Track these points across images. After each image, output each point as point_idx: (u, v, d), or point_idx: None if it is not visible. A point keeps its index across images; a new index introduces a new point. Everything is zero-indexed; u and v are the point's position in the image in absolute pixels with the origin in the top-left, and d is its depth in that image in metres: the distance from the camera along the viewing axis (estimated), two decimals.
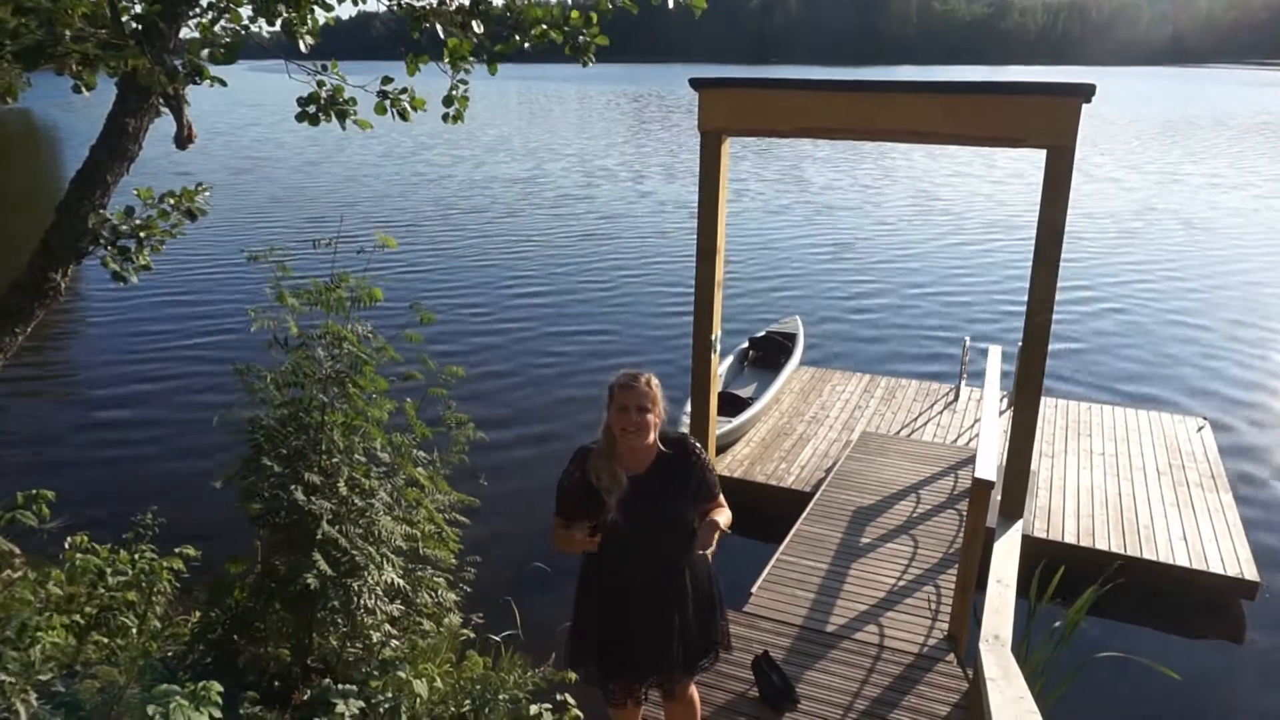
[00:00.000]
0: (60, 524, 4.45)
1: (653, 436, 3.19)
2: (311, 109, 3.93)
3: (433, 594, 4.37)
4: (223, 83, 3.67)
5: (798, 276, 15.76)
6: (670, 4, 4.22)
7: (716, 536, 3.19)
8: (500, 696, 3.98)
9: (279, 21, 3.86)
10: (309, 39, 3.83)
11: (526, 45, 4.13)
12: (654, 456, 3.24)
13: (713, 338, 5.05)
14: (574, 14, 4.19)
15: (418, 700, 3.77)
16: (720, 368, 8.80)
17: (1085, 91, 3.94)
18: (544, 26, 4.11)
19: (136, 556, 4.73)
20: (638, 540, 3.22)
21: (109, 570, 4.57)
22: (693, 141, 32.54)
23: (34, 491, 4.17)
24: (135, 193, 3.95)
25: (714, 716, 4.42)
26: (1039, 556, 5.95)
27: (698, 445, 3.34)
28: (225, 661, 4.02)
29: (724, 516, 3.31)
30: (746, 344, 10.36)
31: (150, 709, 2.62)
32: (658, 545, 3.25)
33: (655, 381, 3.20)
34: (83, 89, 3.31)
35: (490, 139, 37.69)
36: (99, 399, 10.24)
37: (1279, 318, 13.46)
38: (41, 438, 9.22)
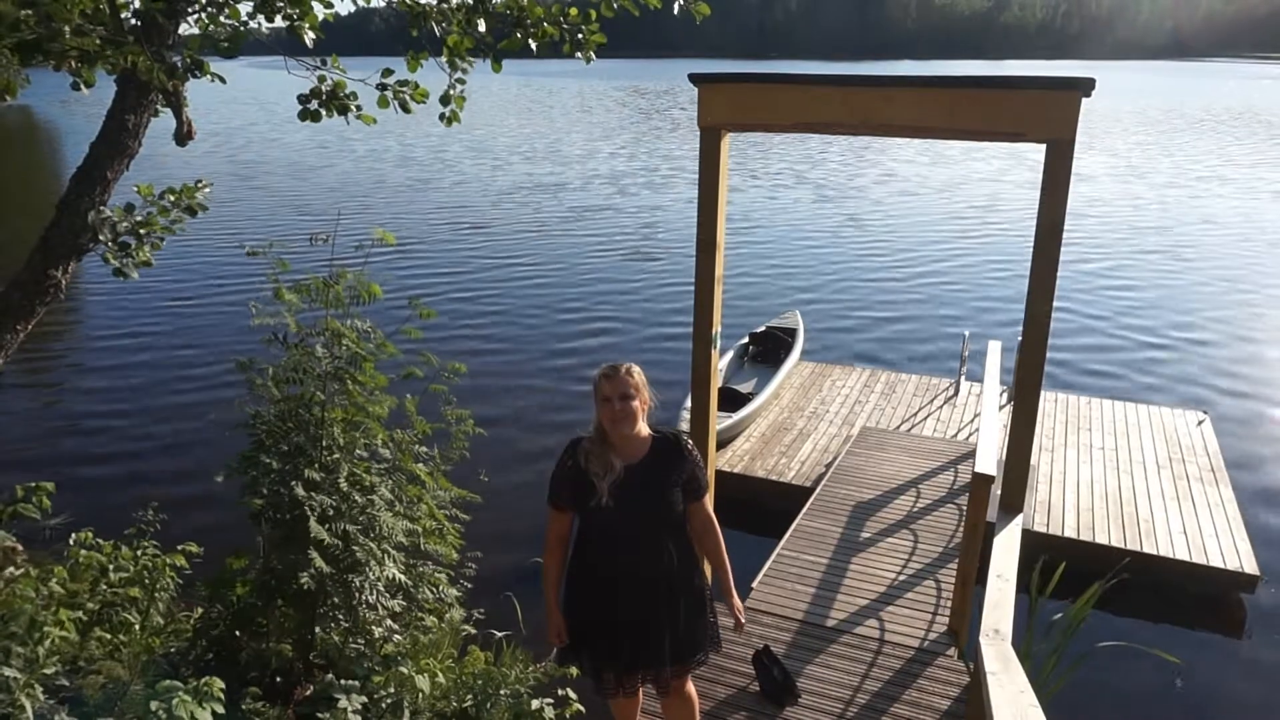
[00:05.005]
0: (62, 521, 4.46)
1: (641, 424, 3.28)
2: (313, 105, 3.93)
3: (434, 589, 4.38)
4: (221, 79, 3.67)
5: (797, 272, 15.75)
6: (675, 10, 4.22)
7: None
8: (502, 691, 3.99)
9: (278, 17, 3.86)
10: (312, 34, 3.83)
11: (532, 44, 4.14)
12: (647, 448, 3.30)
13: (713, 333, 5.04)
14: (572, 11, 4.19)
15: (420, 695, 3.78)
16: (720, 363, 8.80)
17: (1085, 85, 3.93)
18: (545, 25, 4.12)
19: (139, 553, 4.74)
20: (628, 528, 3.29)
21: (111, 567, 4.59)
22: (692, 137, 32.49)
23: (34, 485, 4.18)
24: (135, 189, 3.95)
25: (715, 711, 4.43)
26: (1039, 551, 5.95)
27: (691, 444, 3.41)
28: (227, 657, 4.03)
29: (714, 536, 3.51)
30: (746, 339, 10.37)
31: (153, 705, 2.63)
32: (647, 534, 3.31)
33: (637, 370, 3.28)
34: (82, 86, 3.31)
35: (490, 135, 37.63)
36: (100, 396, 10.25)
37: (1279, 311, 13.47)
38: (42, 435, 9.22)
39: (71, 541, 4.70)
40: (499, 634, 5.01)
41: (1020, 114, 4.07)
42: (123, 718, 2.69)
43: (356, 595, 3.93)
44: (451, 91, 4.27)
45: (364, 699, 3.54)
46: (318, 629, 4.14)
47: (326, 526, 3.79)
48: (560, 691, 4.11)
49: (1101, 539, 6.59)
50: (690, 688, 3.70)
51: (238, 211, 20.71)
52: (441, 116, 4.31)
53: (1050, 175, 4.14)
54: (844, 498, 6.95)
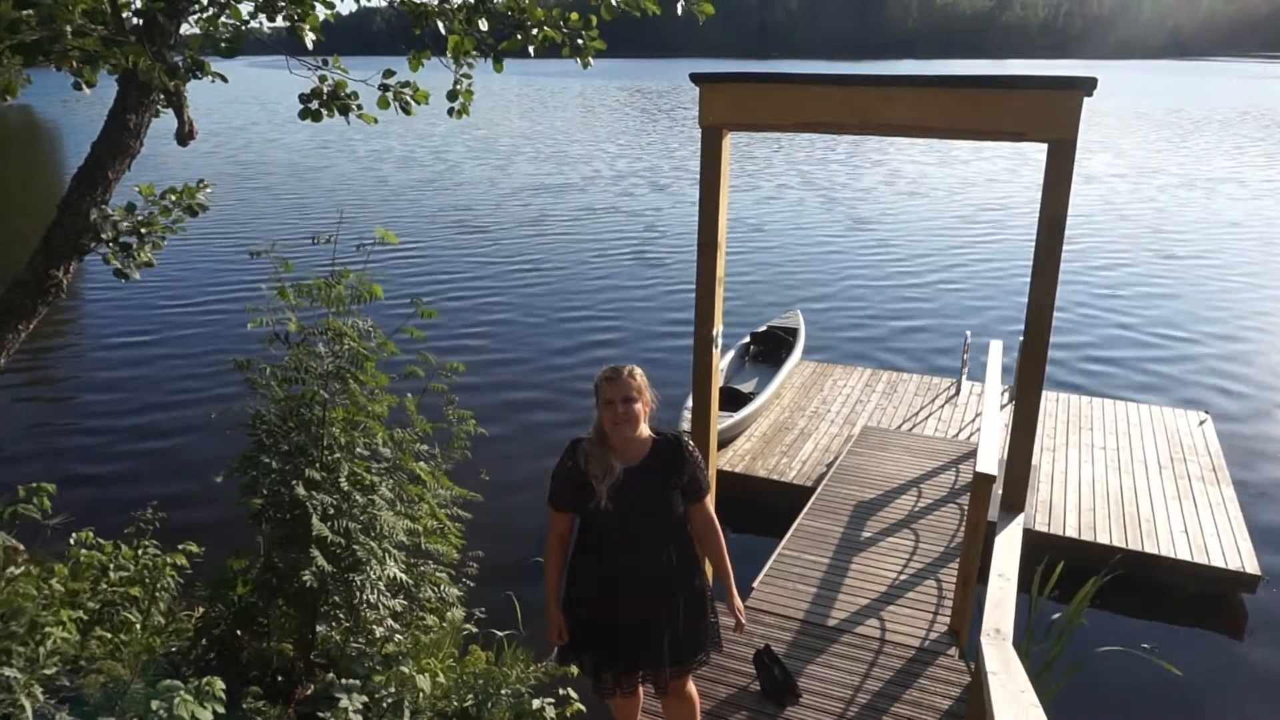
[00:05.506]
0: (63, 521, 4.46)
1: (643, 426, 3.28)
2: (314, 105, 3.93)
3: (435, 589, 4.39)
4: (223, 79, 3.67)
5: (799, 271, 15.75)
6: (678, 10, 4.22)
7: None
8: (503, 691, 4.00)
9: (280, 17, 3.86)
10: (313, 35, 3.83)
11: (530, 47, 4.14)
12: (648, 449, 3.29)
13: (714, 333, 5.04)
14: (573, 15, 4.20)
15: (420, 695, 3.78)
16: (721, 363, 8.80)
17: (1086, 85, 3.92)
18: (545, 28, 4.13)
19: (140, 552, 4.75)
20: (628, 529, 3.29)
21: (111, 566, 4.59)
22: (694, 136, 32.49)
23: (35, 485, 4.18)
24: (136, 189, 3.96)
25: (715, 710, 4.43)
26: (1040, 550, 5.95)
27: (691, 444, 3.41)
28: (228, 657, 4.03)
29: (716, 539, 3.52)
30: (748, 339, 10.37)
31: (154, 704, 2.64)
32: (647, 535, 3.31)
33: (639, 372, 3.28)
34: (83, 86, 3.31)
35: (492, 135, 37.64)
36: (100, 396, 10.25)
37: None
38: (43, 435, 9.23)
39: (72, 541, 4.70)
40: (500, 633, 5.01)
41: (1021, 114, 4.06)
42: (124, 717, 2.69)
43: (357, 594, 3.93)
44: (458, 87, 4.28)
45: (365, 698, 3.55)
46: (319, 628, 4.14)
47: (328, 525, 3.79)
48: (561, 691, 4.11)
49: (1103, 539, 6.59)
50: (691, 688, 3.70)
51: (239, 212, 20.72)
52: (450, 111, 4.32)
53: (1051, 175, 4.13)
54: (845, 497, 6.94)
